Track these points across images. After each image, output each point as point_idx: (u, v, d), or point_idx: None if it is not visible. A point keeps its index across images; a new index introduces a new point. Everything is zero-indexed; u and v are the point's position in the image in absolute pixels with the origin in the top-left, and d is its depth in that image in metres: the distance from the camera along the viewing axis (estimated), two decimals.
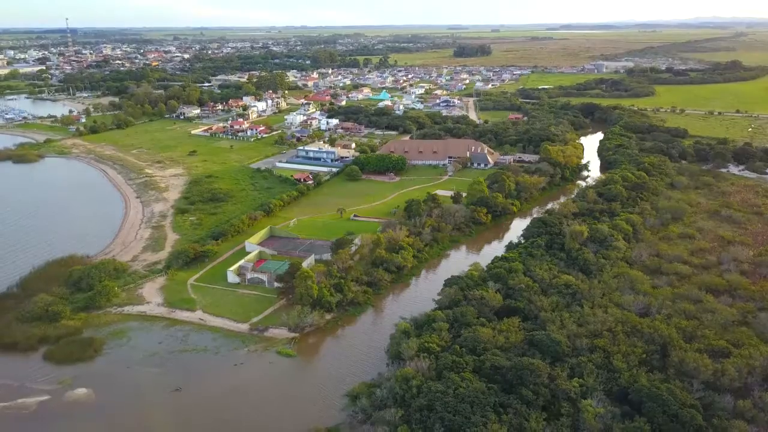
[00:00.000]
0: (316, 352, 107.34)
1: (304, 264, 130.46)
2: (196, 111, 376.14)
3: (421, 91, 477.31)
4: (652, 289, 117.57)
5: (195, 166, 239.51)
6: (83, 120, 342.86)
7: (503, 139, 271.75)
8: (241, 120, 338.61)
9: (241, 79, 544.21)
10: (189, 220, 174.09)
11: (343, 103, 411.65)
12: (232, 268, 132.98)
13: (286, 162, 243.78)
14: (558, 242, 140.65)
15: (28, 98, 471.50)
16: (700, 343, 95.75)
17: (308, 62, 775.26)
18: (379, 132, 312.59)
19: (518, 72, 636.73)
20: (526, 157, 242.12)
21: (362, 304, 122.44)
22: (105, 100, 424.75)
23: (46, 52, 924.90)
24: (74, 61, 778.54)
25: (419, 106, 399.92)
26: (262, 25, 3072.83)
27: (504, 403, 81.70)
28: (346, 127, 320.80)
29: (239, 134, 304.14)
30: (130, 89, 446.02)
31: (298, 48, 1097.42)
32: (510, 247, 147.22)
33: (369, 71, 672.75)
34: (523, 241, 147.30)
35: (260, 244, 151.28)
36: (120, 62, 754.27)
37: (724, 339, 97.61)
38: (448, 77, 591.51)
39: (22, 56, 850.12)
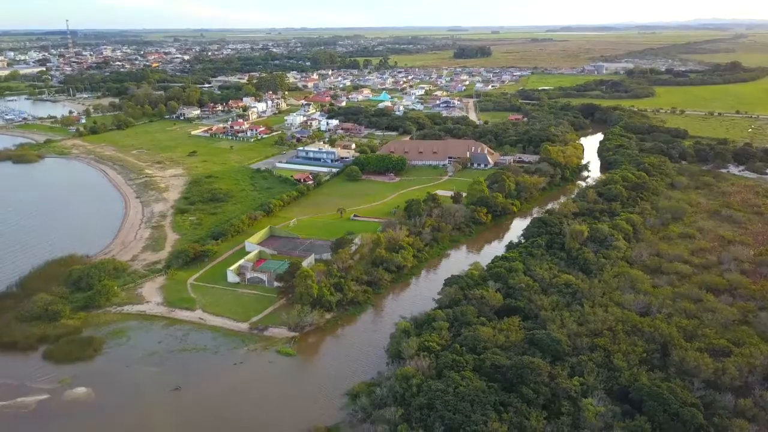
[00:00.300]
0: (316, 351, 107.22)
1: (304, 263, 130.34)
2: (196, 112, 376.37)
3: (421, 92, 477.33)
4: (653, 289, 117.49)
5: (195, 167, 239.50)
6: (83, 121, 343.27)
7: (503, 139, 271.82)
8: (241, 121, 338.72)
9: (241, 80, 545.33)
10: (189, 220, 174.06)
11: (343, 104, 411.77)
12: (231, 268, 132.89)
13: (286, 162, 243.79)
14: (558, 242, 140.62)
15: (28, 99, 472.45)
16: (701, 342, 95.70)
17: (308, 63, 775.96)
18: (379, 133, 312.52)
19: (518, 73, 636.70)
20: (526, 157, 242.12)
21: (362, 303, 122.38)
22: (105, 101, 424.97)
23: (46, 54, 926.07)
24: (74, 62, 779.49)
25: (419, 107, 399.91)
26: (262, 27, 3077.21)
27: (504, 402, 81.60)
28: (346, 127, 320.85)
29: (239, 135, 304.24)
30: (130, 90, 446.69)
31: (298, 49, 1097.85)
32: (510, 246, 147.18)
33: (369, 72, 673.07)
34: (523, 241, 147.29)
35: (260, 243, 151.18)
36: (120, 63, 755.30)
37: (724, 338, 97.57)
38: (448, 78, 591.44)
39: (23, 57, 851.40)
